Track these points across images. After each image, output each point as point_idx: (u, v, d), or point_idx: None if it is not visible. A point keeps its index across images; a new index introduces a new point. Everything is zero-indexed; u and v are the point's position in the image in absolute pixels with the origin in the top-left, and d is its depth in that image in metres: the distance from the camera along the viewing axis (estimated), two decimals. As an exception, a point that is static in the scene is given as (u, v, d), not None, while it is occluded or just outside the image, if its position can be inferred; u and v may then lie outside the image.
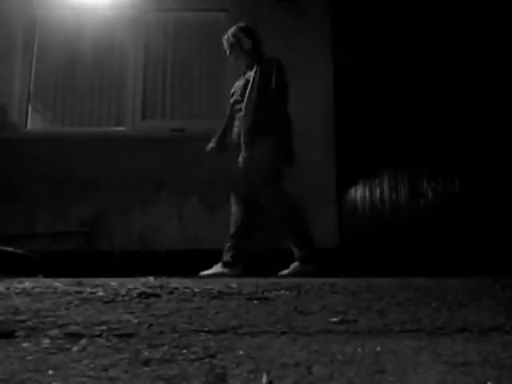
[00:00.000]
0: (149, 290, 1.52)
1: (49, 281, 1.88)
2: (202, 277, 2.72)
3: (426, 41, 3.79)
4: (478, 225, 3.22)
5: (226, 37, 3.13)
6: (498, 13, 2.91)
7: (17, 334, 0.94)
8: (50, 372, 0.72)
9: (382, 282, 1.99)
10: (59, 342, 0.89)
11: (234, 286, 1.71)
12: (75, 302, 1.31)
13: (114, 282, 1.76)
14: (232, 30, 3.13)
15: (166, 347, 0.86)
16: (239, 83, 3.08)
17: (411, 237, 3.98)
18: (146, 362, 0.77)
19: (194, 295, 1.48)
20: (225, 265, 2.90)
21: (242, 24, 3.17)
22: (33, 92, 4.22)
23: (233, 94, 3.10)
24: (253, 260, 2.93)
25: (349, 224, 4.64)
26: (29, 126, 4.16)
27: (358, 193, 4.93)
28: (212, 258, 2.99)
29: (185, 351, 0.84)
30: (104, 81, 4.30)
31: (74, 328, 0.99)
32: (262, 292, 1.55)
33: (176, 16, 4.42)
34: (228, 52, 3.15)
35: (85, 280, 1.86)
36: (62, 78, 4.31)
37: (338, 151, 4.07)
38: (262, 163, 2.89)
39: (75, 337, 0.92)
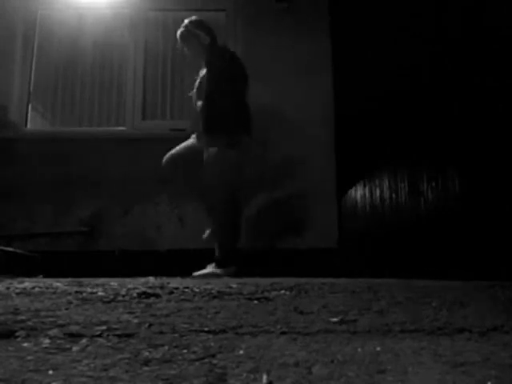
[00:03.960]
0: (149, 290, 1.52)
1: (49, 281, 1.88)
2: (196, 277, 2.71)
3: (427, 40, 3.79)
4: (478, 225, 3.22)
5: (180, 34, 3.03)
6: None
7: (17, 334, 0.94)
8: (50, 372, 0.72)
9: (382, 282, 1.99)
10: (59, 342, 0.89)
11: (233, 285, 1.71)
12: (75, 302, 1.31)
13: (114, 282, 1.76)
14: (186, 25, 3.03)
15: (166, 347, 0.86)
16: (196, 82, 3.03)
17: (411, 237, 3.97)
18: (146, 362, 0.78)
19: (194, 295, 1.48)
20: (218, 264, 2.87)
21: (194, 18, 3.09)
22: (33, 92, 4.22)
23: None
24: (247, 259, 2.91)
25: (349, 224, 4.64)
26: (29, 126, 4.16)
27: (357, 193, 4.93)
28: (212, 257, 3.00)
29: (185, 351, 0.84)
30: (104, 80, 4.31)
31: (73, 328, 0.99)
32: (262, 292, 1.55)
33: (176, 16, 4.42)
34: (186, 49, 3.07)
35: (85, 280, 1.86)
36: (62, 78, 4.31)
37: (338, 151, 4.07)
38: (219, 160, 2.83)
39: (75, 337, 0.92)
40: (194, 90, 3.03)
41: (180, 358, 0.80)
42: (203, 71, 2.99)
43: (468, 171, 3.34)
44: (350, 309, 1.24)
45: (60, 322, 1.04)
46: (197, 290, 1.56)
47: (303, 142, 3.95)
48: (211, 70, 2.87)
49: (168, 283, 1.80)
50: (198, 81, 3.01)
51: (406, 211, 4.12)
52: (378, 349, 0.86)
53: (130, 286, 1.61)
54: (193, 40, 3.00)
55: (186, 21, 3.06)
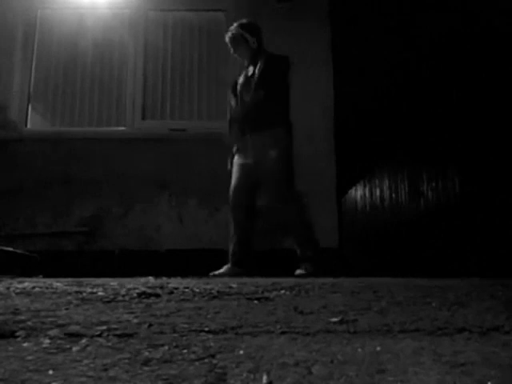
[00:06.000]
0: (149, 290, 1.52)
1: (49, 281, 1.88)
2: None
3: (427, 40, 3.79)
4: (478, 225, 3.22)
5: (229, 35, 3.08)
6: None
7: (17, 334, 0.94)
8: (50, 372, 0.72)
9: (382, 281, 1.99)
10: (59, 342, 0.89)
11: (233, 285, 1.71)
12: (75, 302, 1.31)
13: (113, 282, 1.76)
14: (235, 28, 3.07)
15: (166, 347, 0.86)
16: (243, 81, 3.05)
17: (411, 237, 3.97)
18: (146, 362, 0.77)
19: (194, 295, 1.48)
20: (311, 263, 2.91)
21: (244, 21, 3.12)
22: (33, 92, 4.22)
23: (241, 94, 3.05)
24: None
25: (349, 224, 4.63)
26: (29, 126, 4.16)
27: (357, 193, 4.93)
28: (212, 257, 2.99)
29: (185, 351, 0.84)
30: (104, 80, 4.30)
31: (73, 328, 0.99)
32: (262, 292, 1.55)
33: (176, 16, 4.42)
34: (233, 50, 3.11)
35: (85, 280, 1.86)
36: (62, 78, 4.31)
37: (338, 151, 4.08)
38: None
39: (75, 337, 0.92)
40: (239, 87, 3.04)
41: (180, 358, 0.80)
42: (249, 70, 3.02)
43: (468, 171, 3.34)
44: (349, 309, 1.24)
45: (60, 322, 1.04)
46: (197, 290, 1.56)
47: (303, 142, 3.94)
48: (267, 71, 2.93)
49: (168, 283, 1.80)
50: (242, 78, 3.04)
51: (406, 211, 4.11)
52: (378, 349, 0.86)
53: (129, 286, 1.61)
54: (242, 44, 3.04)
55: (236, 24, 3.08)
